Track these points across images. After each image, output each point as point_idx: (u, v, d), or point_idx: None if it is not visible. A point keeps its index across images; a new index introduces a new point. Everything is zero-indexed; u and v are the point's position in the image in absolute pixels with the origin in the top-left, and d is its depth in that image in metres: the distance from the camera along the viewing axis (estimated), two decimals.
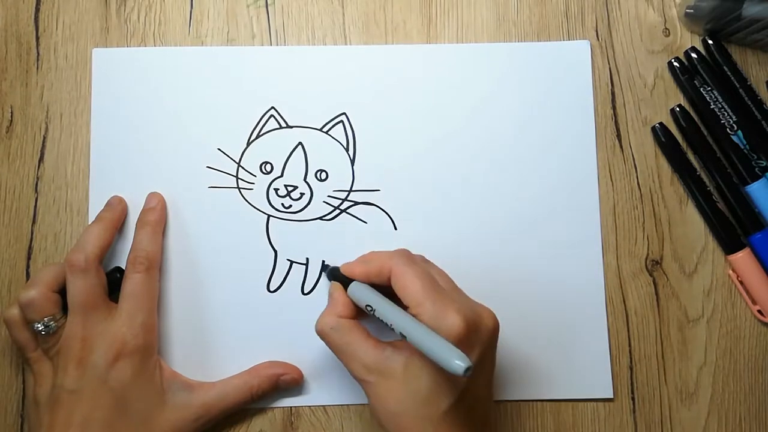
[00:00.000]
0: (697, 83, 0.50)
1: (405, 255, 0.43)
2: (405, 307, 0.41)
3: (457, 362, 0.36)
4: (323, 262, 0.49)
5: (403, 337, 0.39)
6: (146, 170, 0.49)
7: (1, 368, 0.48)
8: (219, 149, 0.50)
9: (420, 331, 0.38)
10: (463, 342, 0.38)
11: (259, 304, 0.49)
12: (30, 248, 0.49)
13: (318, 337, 0.43)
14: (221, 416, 0.46)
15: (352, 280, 0.44)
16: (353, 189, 0.50)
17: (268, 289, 0.49)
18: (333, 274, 0.46)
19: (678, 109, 0.51)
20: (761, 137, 0.50)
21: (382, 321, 0.41)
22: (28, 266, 0.49)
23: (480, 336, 0.40)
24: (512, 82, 0.51)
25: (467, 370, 0.35)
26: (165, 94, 0.50)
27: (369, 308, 0.42)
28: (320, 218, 0.49)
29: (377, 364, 0.41)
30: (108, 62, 0.50)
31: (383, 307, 0.41)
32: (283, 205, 0.49)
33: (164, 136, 0.50)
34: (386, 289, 0.43)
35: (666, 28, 0.52)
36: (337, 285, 0.45)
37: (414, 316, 0.40)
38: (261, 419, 0.48)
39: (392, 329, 0.40)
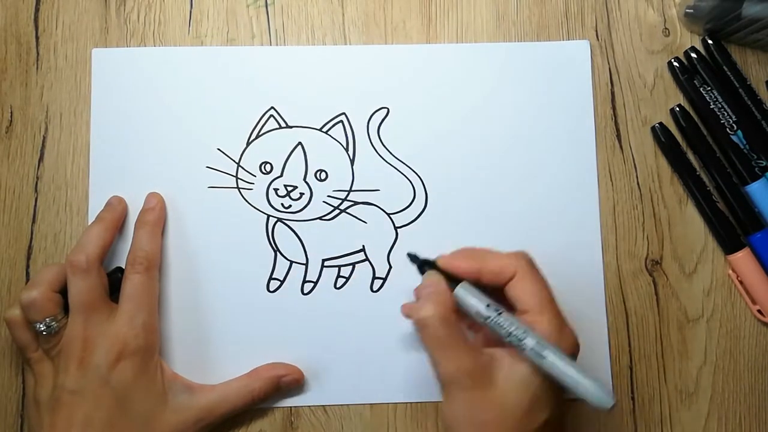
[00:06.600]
0: (696, 83, 0.50)
1: (530, 258, 0.41)
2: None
3: (606, 398, 0.36)
4: (415, 257, 0.43)
5: (537, 355, 0.37)
6: (146, 170, 0.49)
7: (1, 368, 0.48)
8: (219, 149, 0.50)
9: (554, 351, 0.37)
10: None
11: (258, 305, 0.49)
12: (30, 248, 0.49)
13: (416, 326, 0.40)
14: (222, 419, 0.46)
15: (451, 277, 0.41)
16: (353, 189, 0.50)
17: (268, 290, 0.49)
18: (427, 265, 0.42)
19: (678, 108, 0.51)
20: (761, 137, 0.50)
21: (497, 333, 0.39)
22: (27, 266, 0.49)
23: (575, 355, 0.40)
24: (512, 82, 0.51)
25: (613, 406, 0.36)
26: (165, 94, 0.50)
27: (488, 310, 0.39)
28: (320, 218, 0.49)
29: (476, 368, 0.38)
30: (108, 62, 0.50)
31: (505, 314, 0.39)
32: (282, 205, 0.49)
33: (164, 136, 0.50)
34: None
35: (666, 28, 0.52)
36: (439, 276, 0.41)
37: (530, 323, 0.39)
38: (261, 419, 0.48)
39: (516, 345, 0.38)
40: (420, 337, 0.40)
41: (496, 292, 0.41)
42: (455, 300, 0.40)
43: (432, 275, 0.41)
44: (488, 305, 0.39)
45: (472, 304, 0.40)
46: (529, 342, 0.38)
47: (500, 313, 0.39)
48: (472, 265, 0.41)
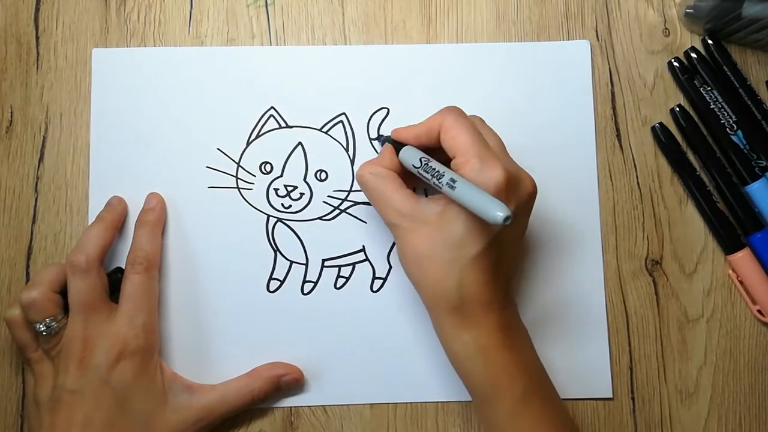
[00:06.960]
0: (696, 83, 0.50)
1: (456, 110, 0.44)
2: (449, 163, 0.42)
3: (497, 212, 0.37)
4: (380, 136, 0.50)
5: (450, 186, 0.40)
6: (146, 170, 0.49)
7: (1, 368, 0.48)
8: (219, 149, 0.50)
9: (463, 181, 0.40)
10: (501, 195, 0.40)
11: (258, 305, 0.49)
12: (30, 248, 0.49)
13: (358, 183, 0.45)
14: (222, 419, 0.46)
15: (404, 147, 0.45)
16: (353, 189, 0.50)
17: (268, 290, 0.49)
18: (386, 140, 0.47)
19: (678, 108, 0.51)
20: (761, 137, 0.50)
21: (426, 179, 0.42)
22: (28, 266, 0.49)
23: (518, 194, 0.42)
24: (512, 82, 0.51)
25: (506, 219, 0.36)
26: (165, 94, 0.50)
27: (421, 161, 0.42)
28: (320, 218, 0.49)
29: (412, 210, 0.42)
30: (108, 62, 0.50)
31: (432, 162, 0.42)
32: (282, 205, 0.49)
33: (164, 136, 0.50)
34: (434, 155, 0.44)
35: (666, 28, 0.52)
36: (388, 145, 0.46)
37: (458, 165, 0.41)
38: (261, 419, 0.48)
39: (437, 184, 0.41)
40: (364, 194, 0.45)
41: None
42: (401, 162, 0.45)
43: (385, 146, 0.46)
44: (421, 158, 0.43)
45: (409, 160, 0.44)
46: (445, 178, 0.40)
47: (428, 163, 0.42)
48: (410, 131, 0.45)
